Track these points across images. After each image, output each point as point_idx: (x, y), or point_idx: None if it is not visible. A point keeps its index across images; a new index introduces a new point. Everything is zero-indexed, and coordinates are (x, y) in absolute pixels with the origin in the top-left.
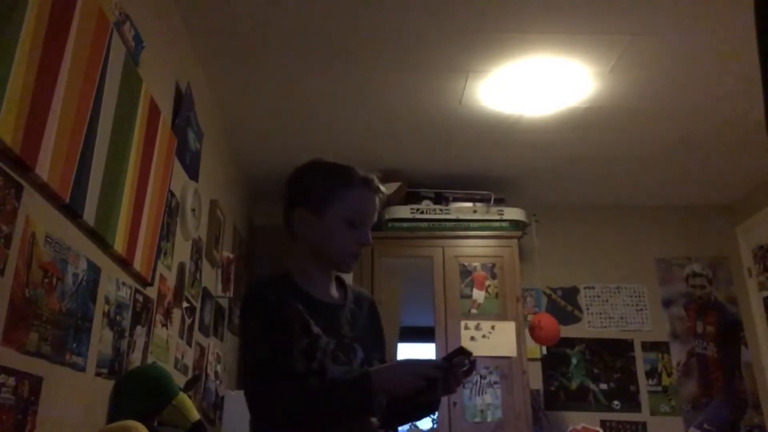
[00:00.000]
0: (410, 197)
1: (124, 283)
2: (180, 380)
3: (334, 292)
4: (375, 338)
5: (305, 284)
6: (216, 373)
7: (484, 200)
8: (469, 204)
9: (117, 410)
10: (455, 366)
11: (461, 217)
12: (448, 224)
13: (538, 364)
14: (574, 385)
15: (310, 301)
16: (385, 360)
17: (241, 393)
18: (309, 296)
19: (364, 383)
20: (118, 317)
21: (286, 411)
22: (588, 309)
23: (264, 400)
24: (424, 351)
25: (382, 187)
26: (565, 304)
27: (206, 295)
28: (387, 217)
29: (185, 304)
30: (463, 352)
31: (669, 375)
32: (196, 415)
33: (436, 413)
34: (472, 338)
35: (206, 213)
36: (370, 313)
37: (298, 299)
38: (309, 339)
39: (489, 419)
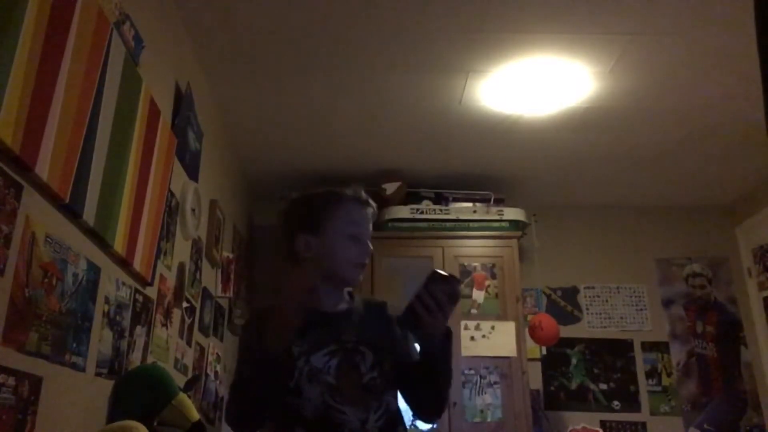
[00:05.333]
0: (410, 197)
1: (124, 283)
2: (180, 380)
3: (344, 305)
4: (390, 342)
5: (304, 298)
6: (216, 373)
7: (484, 200)
8: (469, 204)
9: (117, 410)
10: (432, 294)
11: (461, 217)
12: (448, 224)
13: (538, 364)
14: (574, 385)
15: (311, 313)
16: (400, 363)
17: None
18: (313, 309)
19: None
20: (118, 317)
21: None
22: (588, 309)
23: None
24: None
25: (370, 200)
26: (565, 304)
27: (206, 295)
28: (387, 217)
29: (185, 304)
30: (438, 278)
31: (669, 375)
32: (196, 415)
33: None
34: (472, 338)
35: (206, 213)
36: (385, 319)
37: (293, 314)
38: (302, 355)
39: (489, 419)
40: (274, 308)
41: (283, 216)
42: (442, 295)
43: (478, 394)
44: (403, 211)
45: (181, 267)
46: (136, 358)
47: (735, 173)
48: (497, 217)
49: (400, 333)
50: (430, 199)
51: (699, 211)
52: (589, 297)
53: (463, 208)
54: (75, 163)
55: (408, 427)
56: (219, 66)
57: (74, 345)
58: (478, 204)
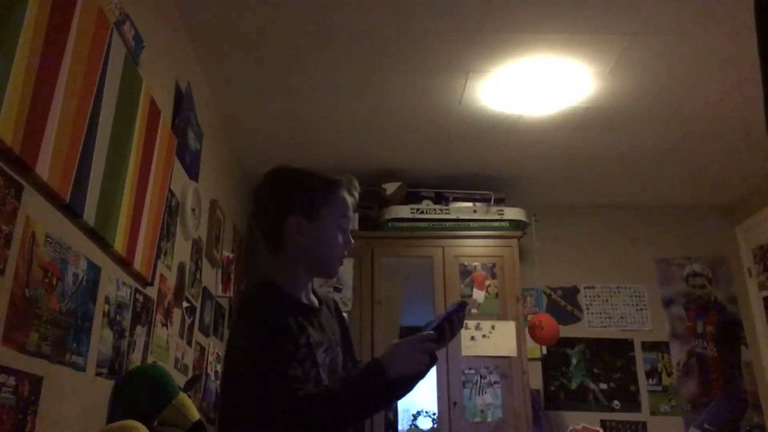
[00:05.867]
0: (410, 197)
1: (124, 283)
2: (180, 380)
3: (312, 297)
4: (345, 341)
5: (292, 291)
6: (216, 373)
7: (484, 200)
8: (469, 204)
9: (117, 410)
10: (452, 322)
11: (461, 217)
12: (448, 224)
13: (538, 364)
14: (574, 385)
15: (302, 307)
16: (357, 362)
17: None
18: (299, 302)
19: (380, 376)
20: (118, 317)
21: (310, 425)
22: (588, 309)
23: (280, 421)
24: None
25: (358, 190)
26: (565, 304)
27: (206, 295)
28: (387, 216)
29: (185, 304)
30: (461, 307)
31: (669, 375)
32: (196, 414)
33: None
34: (472, 338)
35: (206, 213)
36: (339, 317)
37: (291, 309)
38: (306, 356)
39: (489, 419)
40: (283, 297)
41: (273, 191)
42: (460, 321)
43: (478, 394)
44: (403, 211)
45: (182, 267)
46: (136, 358)
47: (735, 173)
48: (497, 217)
49: (350, 335)
50: (430, 199)
51: (699, 211)
52: (589, 297)
53: (463, 208)
54: (75, 163)
55: (408, 426)
56: (219, 66)
57: (74, 345)
58: (478, 204)
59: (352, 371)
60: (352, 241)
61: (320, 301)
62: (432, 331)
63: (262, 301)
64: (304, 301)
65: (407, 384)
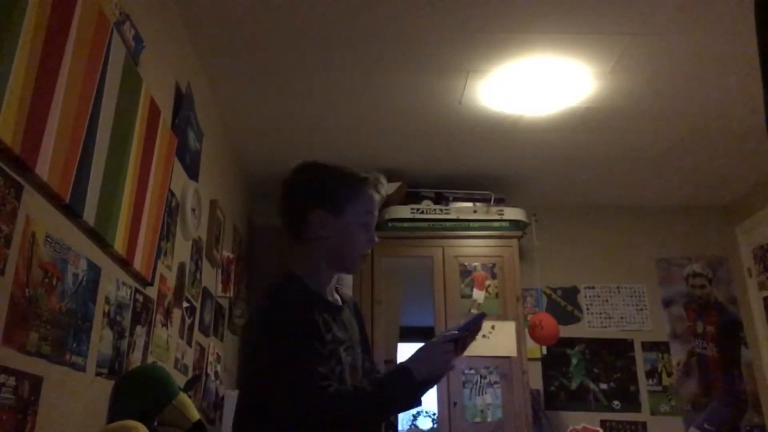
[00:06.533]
0: (410, 197)
1: (124, 283)
2: (180, 380)
3: (336, 295)
4: (363, 341)
5: (317, 287)
6: (216, 373)
7: (484, 200)
8: (469, 204)
9: (117, 410)
10: (470, 331)
11: (461, 217)
12: (448, 224)
13: (538, 364)
14: (574, 385)
15: (326, 304)
16: (374, 364)
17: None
18: (323, 299)
19: (407, 378)
20: (118, 317)
21: (338, 422)
22: (588, 309)
23: (308, 418)
24: None
25: (385, 188)
26: (565, 304)
27: (206, 295)
28: (387, 217)
29: (185, 304)
30: (479, 318)
31: (669, 375)
32: (196, 415)
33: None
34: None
35: (206, 213)
36: (358, 317)
37: (317, 305)
38: (332, 353)
39: (489, 419)
40: (308, 292)
41: (299, 185)
42: (476, 332)
43: (478, 394)
44: (403, 211)
45: (182, 267)
46: (136, 358)
47: (735, 173)
48: (497, 217)
49: (367, 336)
50: (430, 199)
51: (699, 211)
52: (589, 297)
53: (463, 208)
54: (75, 163)
55: (409, 426)
56: (219, 66)
57: (74, 345)
58: (478, 204)
59: (378, 373)
60: (376, 238)
61: (342, 299)
62: (455, 332)
63: (288, 295)
64: (329, 298)
65: (428, 388)
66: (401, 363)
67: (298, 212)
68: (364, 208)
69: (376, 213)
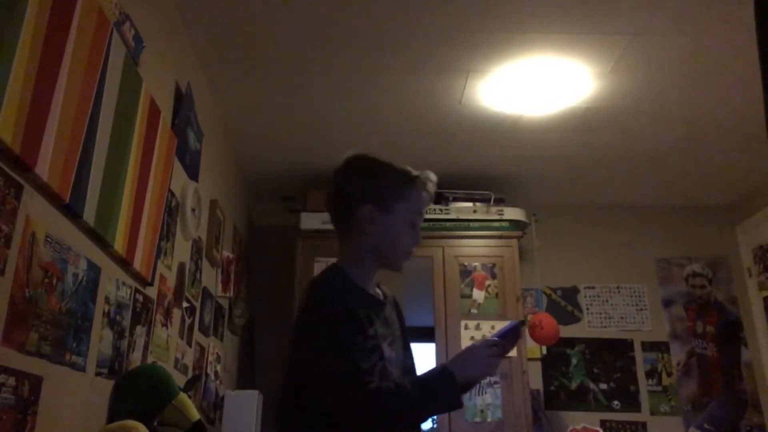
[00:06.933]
0: None
1: (124, 283)
2: (180, 380)
3: (377, 290)
4: (403, 337)
5: (360, 281)
6: (216, 373)
7: (484, 200)
8: (469, 204)
9: (117, 410)
10: (508, 338)
11: (461, 217)
12: (448, 224)
13: (538, 364)
14: (574, 385)
15: (369, 298)
16: (413, 358)
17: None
18: (367, 293)
19: (449, 380)
20: (118, 317)
21: (378, 419)
22: (588, 309)
23: (348, 412)
24: (423, 351)
25: (435, 187)
26: (565, 304)
27: (206, 295)
28: None
29: (185, 304)
30: (522, 324)
31: (669, 375)
32: (196, 415)
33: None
34: (472, 338)
35: (206, 213)
36: (398, 313)
37: (360, 299)
38: (375, 348)
39: (489, 419)
40: (352, 286)
41: (350, 178)
42: (516, 339)
43: (478, 394)
44: None
45: (181, 267)
46: (136, 358)
47: (735, 173)
48: (497, 217)
49: (407, 332)
50: None
51: (699, 211)
52: (589, 297)
53: (463, 208)
54: (75, 163)
55: None
56: (219, 66)
57: (74, 345)
58: (478, 204)
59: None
60: (421, 238)
61: (384, 294)
62: (496, 338)
63: (330, 288)
64: (371, 292)
65: (468, 390)
66: (443, 364)
67: (347, 206)
68: (413, 207)
69: (424, 213)
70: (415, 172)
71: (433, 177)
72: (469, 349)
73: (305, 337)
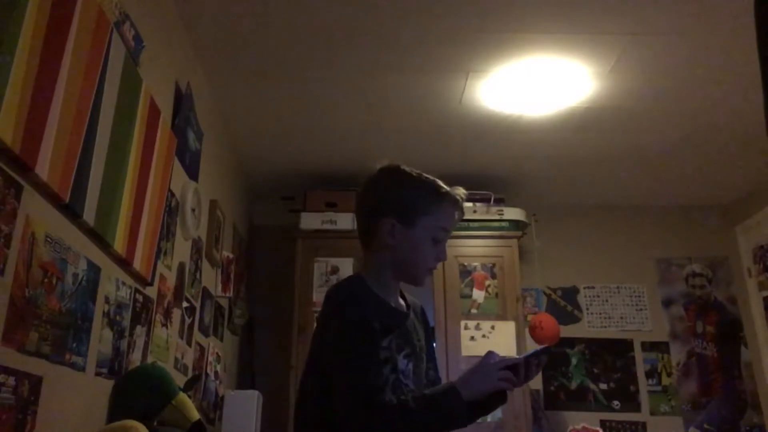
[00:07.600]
0: None
1: (124, 283)
2: (180, 380)
3: (401, 301)
4: (428, 347)
5: (381, 292)
6: (216, 373)
7: (484, 200)
8: (469, 204)
9: (117, 410)
10: (533, 362)
11: None
12: None
13: None
14: (574, 385)
15: (389, 310)
16: (437, 370)
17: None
18: (386, 304)
19: (453, 397)
20: (118, 317)
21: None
22: (588, 309)
23: (349, 422)
24: None
25: (463, 205)
26: (565, 304)
27: (206, 294)
28: None
29: (185, 304)
30: (546, 351)
31: (669, 375)
32: (196, 414)
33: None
34: (472, 338)
35: (206, 213)
36: (425, 323)
37: (378, 310)
38: (387, 360)
39: (489, 419)
40: (370, 296)
41: (376, 189)
42: (539, 366)
43: None
44: None
45: (181, 267)
46: (136, 358)
47: (735, 173)
48: (497, 217)
49: (432, 342)
50: None
51: (699, 211)
52: (589, 297)
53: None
54: (75, 163)
55: None
56: (219, 66)
57: (74, 345)
58: (478, 204)
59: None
60: (446, 256)
61: (408, 305)
62: (517, 358)
63: (348, 297)
64: (392, 303)
65: (480, 409)
66: (450, 382)
67: (369, 217)
68: (438, 223)
69: (450, 230)
70: (444, 188)
71: (462, 193)
72: (482, 364)
73: (318, 344)
